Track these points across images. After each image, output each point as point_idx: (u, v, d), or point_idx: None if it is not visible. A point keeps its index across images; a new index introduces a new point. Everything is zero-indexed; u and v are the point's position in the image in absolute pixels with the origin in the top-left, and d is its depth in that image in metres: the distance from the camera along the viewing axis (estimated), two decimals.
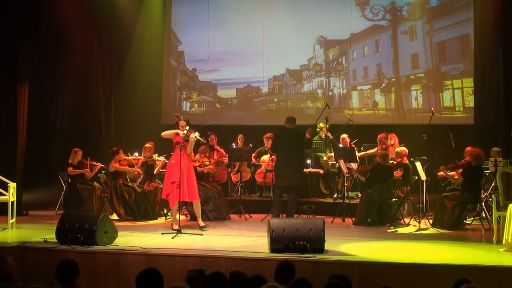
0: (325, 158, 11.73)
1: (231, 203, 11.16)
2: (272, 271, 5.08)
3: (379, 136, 11.31)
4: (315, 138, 11.76)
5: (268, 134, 11.66)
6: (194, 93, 14.80)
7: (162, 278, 4.48)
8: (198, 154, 10.73)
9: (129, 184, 10.78)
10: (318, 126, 11.93)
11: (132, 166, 10.78)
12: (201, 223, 9.40)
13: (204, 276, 4.89)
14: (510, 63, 11.70)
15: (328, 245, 7.56)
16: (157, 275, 4.48)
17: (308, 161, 11.18)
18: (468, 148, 9.80)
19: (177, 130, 9.24)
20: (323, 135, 11.90)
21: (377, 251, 7.76)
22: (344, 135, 11.77)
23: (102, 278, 7.30)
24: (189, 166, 9.33)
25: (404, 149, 10.56)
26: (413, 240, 8.71)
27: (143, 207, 10.54)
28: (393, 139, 11.26)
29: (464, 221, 9.74)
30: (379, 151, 10.85)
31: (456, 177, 9.64)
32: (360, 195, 10.66)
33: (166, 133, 9.41)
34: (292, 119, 9.80)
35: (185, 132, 9.03)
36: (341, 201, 10.68)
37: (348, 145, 11.46)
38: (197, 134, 9.11)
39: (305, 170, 11.00)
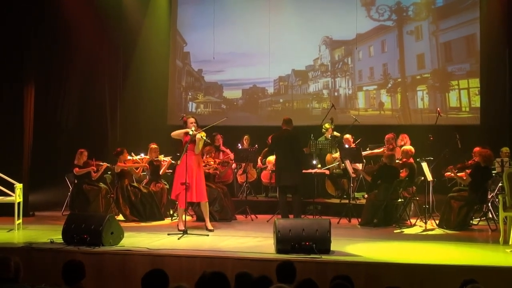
0: (318, 165, 11.67)
1: (237, 204, 11.16)
2: None
3: (386, 136, 11.28)
4: (320, 139, 11.76)
5: None
6: (199, 94, 14.82)
7: (168, 278, 4.47)
8: (203, 154, 10.73)
9: (135, 185, 10.78)
10: (323, 127, 11.90)
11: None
12: (209, 226, 9.30)
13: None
14: None
15: (334, 246, 7.56)
16: (163, 275, 4.48)
17: (314, 162, 11.19)
18: (477, 149, 9.77)
19: (186, 130, 9.20)
20: (329, 135, 11.87)
21: (383, 252, 7.75)
22: (348, 136, 11.73)
23: (108, 279, 7.31)
24: (198, 167, 9.30)
25: (411, 148, 10.51)
26: (419, 241, 8.68)
27: (149, 208, 10.54)
28: (404, 139, 11.19)
29: (471, 221, 9.70)
30: (386, 151, 10.82)
31: (464, 177, 9.61)
32: (366, 195, 10.64)
33: (176, 133, 9.32)
34: (289, 121, 10.06)
35: (190, 132, 9.00)
36: (347, 201, 10.67)
37: (352, 145, 11.43)
38: (203, 134, 9.08)
39: (310, 171, 11.01)
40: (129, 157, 10.77)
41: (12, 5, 11.08)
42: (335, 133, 11.93)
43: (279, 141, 10.12)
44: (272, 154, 10.81)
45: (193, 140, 9.06)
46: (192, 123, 9.12)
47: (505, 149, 10.64)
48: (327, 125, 11.90)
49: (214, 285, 4.45)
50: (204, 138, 9.09)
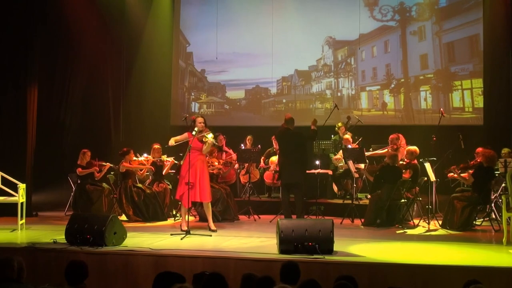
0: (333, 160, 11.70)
1: (240, 204, 11.15)
2: None
3: (390, 136, 11.24)
4: (334, 138, 11.77)
5: None
6: (202, 94, 14.83)
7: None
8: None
9: (138, 185, 10.78)
10: (336, 125, 11.92)
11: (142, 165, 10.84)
12: (212, 227, 9.29)
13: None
14: None
15: (337, 246, 7.55)
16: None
17: (317, 162, 11.18)
18: (480, 149, 9.76)
19: (185, 135, 9.21)
20: (342, 134, 11.86)
21: (386, 252, 7.74)
22: (347, 136, 11.69)
23: (111, 279, 7.31)
24: (202, 167, 9.27)
25: (416, 149, 10.46)
26: (423, 241, 8.67)
27: (152, 208, 10.55)
28: (399, 139, 11.17)
29: (474, 222, 9.68)
30: (389, 152, 10.79)
31: (467, 178, 9.59)
32: (369, 196, 10.63)
33: (177, 139, 9.30)
34: (290, 120, 10.03)
35: (194, 133, 8.99)
36: (350, 202, 10.66)
37: (351, 145, 11.41)
38: (210, 135, 9.07)
39: (313, 171, 10.99)
40: (134, 158, 10.78)
41: (13, 5, 11.07)
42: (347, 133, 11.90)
43: (281, 139, 10.15)
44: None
45: (200, 140, 9.06)
46: (200, 122, 9.13)
47: (507, 150, 10.61)
48: (339, 124, 11.91)
49: (211, 286, 4.44)
50: (213, 140, 9.12)
